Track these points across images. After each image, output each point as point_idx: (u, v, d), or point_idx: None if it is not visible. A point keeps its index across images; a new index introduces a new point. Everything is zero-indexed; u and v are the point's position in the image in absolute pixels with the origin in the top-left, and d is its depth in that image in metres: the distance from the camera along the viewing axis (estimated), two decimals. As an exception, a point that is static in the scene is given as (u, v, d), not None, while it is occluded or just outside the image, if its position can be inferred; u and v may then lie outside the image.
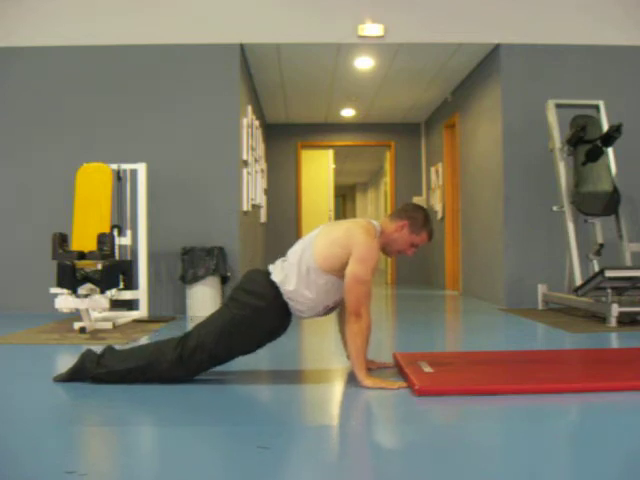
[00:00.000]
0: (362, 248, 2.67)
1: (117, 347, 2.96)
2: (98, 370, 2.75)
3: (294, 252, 2.83)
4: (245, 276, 2.91)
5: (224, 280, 5.58)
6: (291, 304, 2.77)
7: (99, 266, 4.36)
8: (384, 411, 2.41)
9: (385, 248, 2.86)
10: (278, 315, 2.78)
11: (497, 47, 5.99)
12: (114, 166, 5.07)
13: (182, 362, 2.71)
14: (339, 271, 2.72)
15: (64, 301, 4.31)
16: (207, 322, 2.81)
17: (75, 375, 2.78)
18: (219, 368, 2.84)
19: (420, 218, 2.84)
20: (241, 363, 3.37)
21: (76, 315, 4.92)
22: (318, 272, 2.73)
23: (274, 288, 2.76)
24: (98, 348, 2.92)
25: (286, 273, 2.76)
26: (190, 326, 4.94)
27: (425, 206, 9.56)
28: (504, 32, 5.90)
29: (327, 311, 2.87)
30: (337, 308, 2.92)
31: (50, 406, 2.49)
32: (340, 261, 2.70)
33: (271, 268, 2.85)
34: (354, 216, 18.11)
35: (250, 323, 2.73)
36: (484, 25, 5.90)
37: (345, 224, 2.82)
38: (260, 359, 3.59)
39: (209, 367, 2.80)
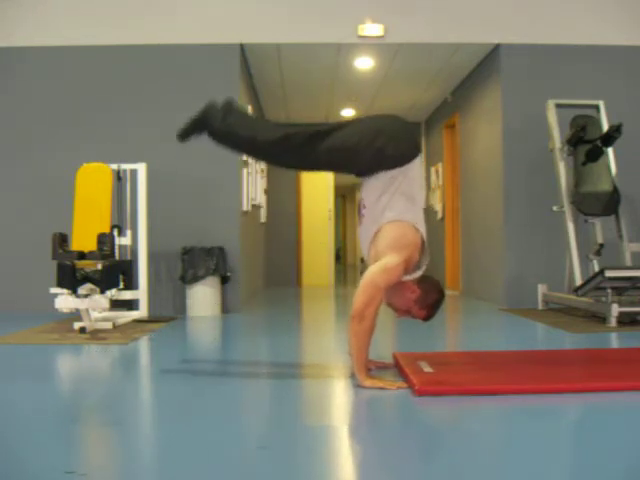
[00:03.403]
0: (393, 265, 2.66)
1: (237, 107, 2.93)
2: (221, 126, 2.79)
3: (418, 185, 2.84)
4: (407, 126, 2.92)
5: (224, 280, 5.58)
6: None
7: (99, 266, 4.36)
8: (384, 411, 2.41)
9: (392, 286, 2.75)
10: None
11: (497, 47, 5.99)
12: (114, 166, 5.07)
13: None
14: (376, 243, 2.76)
15: (64, 301, 4.31)
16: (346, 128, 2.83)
17: (196, 126, 2.84)
18: (219, 367, 2.83)
19: (432, 299, 2.84)
20: (240, 362, 3.37)
21: (76, 315, 4.92)
22: (384, 212, 2.77)
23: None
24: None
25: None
26: (190, 324, 4.96)
27: (425, 206, 9.55)
28: (504, 32, 5.90)
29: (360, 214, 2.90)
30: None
31: (50, 406, 2.48)
32: (380, 243, 2.74)
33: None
34: (353, 215, 18.09)
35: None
36: (484, 25, 5.90)
37: (411, 233, 2.75)
38: (260, 358, 3.59)
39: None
